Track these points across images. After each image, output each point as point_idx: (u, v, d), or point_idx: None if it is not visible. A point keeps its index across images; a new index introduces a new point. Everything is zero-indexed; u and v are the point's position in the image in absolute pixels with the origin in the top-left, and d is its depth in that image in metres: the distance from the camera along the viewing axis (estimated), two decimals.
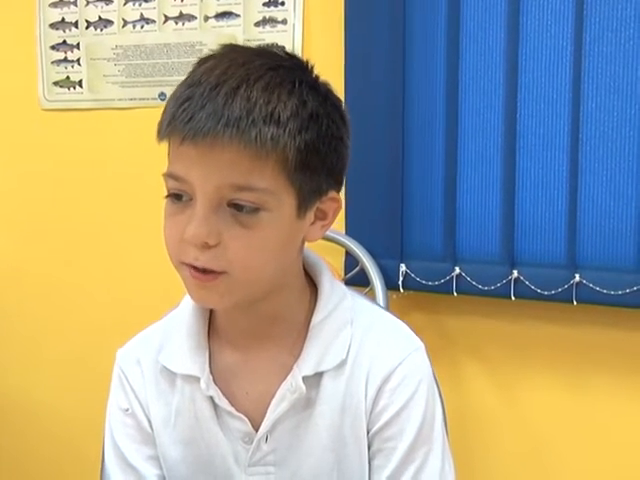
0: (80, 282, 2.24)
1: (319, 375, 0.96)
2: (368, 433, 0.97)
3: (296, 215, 0.91)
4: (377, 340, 0.98)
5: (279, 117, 0.86)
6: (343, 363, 0.97)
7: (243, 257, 0.89)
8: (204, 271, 0.89)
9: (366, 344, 0.98)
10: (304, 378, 0.95)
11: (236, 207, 0.88)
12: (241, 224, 0.88)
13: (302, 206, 0.91)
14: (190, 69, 0.94)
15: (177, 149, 0.88)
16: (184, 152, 0.87)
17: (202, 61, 0.93)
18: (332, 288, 1.00)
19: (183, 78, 0.93)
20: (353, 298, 1.03)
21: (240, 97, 0.86)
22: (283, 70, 0.91)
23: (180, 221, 0.89)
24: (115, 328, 1.94)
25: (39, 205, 2.26)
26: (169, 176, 0.90)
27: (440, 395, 1.31)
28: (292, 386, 0.95)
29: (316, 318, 0.97)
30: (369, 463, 0.98)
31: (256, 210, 0.88)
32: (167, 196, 0.92)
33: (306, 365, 0.96)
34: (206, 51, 2.13)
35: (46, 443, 2.35)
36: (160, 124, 0.90)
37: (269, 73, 0.89)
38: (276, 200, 0.89)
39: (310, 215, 0.94)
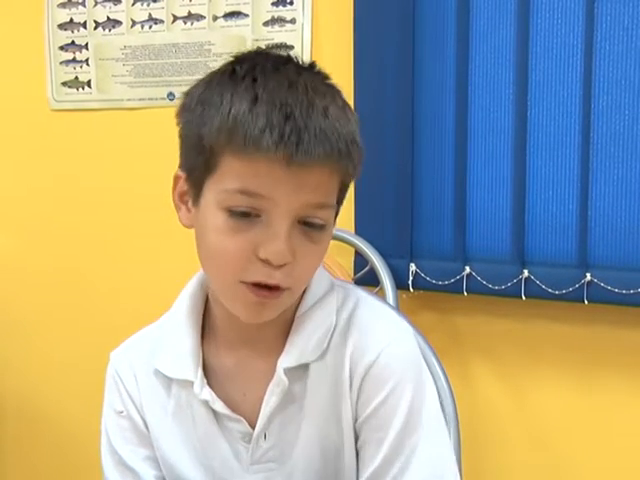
0: (87, 283, 2.24)
1: (304, 367, 0.96)
2: (356, 422, 0.97)
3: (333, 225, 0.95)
4: (359, 327, 0.97)
5: (355, 136, 0.90)
6: (325, 353, 0.96)
7: (309, 272, 0.92)
8: (269, 287, 0.89)
9: (348, 332, 0.97)
10: (289, 371, 0.95)
11: (306, 224, 0.89)
12: (311, 240, 0.89)
13: (335, 217, 0.95)
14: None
15: (263, 166, 0.85)
16: (274, 170, 0.85)
17: (262, 71, 0.89)
18: (320, 281, 1.00)
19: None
20: (339, 290, 1.01)
21: (331, 117, 0.87)
22: (329, 83, 0.93)
23: (247, 238, 0.87)
24: (120, 330, 1.94)
25: (48, 205, 2.27)
26: (241, 192, 0.87)
27: (451, 392, 1.31)
28: (276, 380, 0.95)
29: (299, 311, 0.98)
30: (357, 453, 0.98)
31: (323, 226, 0.90)
32: (226, 210, 0.88)
33: (288, 358, 0.95)
34: (215, 51, 2.14)
35: (51, 446, 2.35)
36: (250, 140, 0.84)
37: (328, 89, 0.92)
38: (333, 214, 0.93)
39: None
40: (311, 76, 0.91)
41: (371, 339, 0.96)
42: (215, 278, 0.93)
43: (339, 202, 0.95)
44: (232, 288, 0.90)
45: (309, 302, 0.98)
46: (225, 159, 0.87)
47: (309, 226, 0.89)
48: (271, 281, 0.88)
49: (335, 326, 0.97)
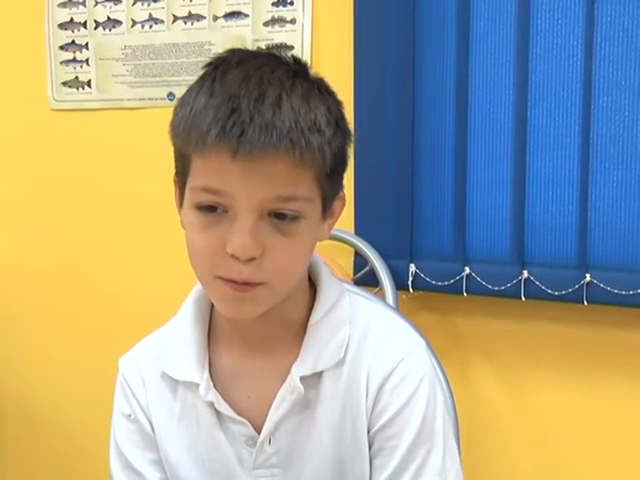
0: (87, 283, 2.24)
1: (318, 375, 0.96)
2: (369, 432, 0.97)
3: (321, 218, 0.93)
4: (376, 338, 0.98)
5: (319, 125, 0.87)
6: (342, 362, 0.96)
7: (284, 266, 0.89)
8: (243, 282, 0.88)
9: (365, 343, 0.97)
10: (303, 378, 0.95)
11: (277, 216, 0.87)
12: (282, 233, 0.88)
13: (325, 209, 0.93)
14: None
15: (215, 162, 0.85)
16: (224, 165, 0.85)
17: (224, 69, 0.89)
18: (330, 287, 1.00)
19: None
20: (352, 296, 1.02)
21: (285, 107, 0.85)
22: (302, 75, 0.91)
23: (216, 234, 0.88)
24: (120, 330, 1.94)
25: (48, 205, 2.26)
26: (204, 190, 0.88)
27: (451, 393, 1.31)
28: (290, 387, 0.95)
29: (314, 318, 0.97)
30: (370, 462, 0.98)
31: (297, 218, 0.88)
32: (196, 208, 0.89)
33: (304, 365, 0.95)
34: (215, 51, 2.13)
35: (51, 446, 2.35)
36: (201, 137, 0.85)
37: (297, 80, 0.89)
38: (312, 207, 0.90)
39: (326, 216, 0.95)
40: (275, 68, 0.89)
41: (388, 351, 0.97)
42: (196, 275, 0.94)
43: (329, 195, 0.93)
44: (211, 283, 0.91)
45: (322, 309, 0.98)
46: (192, 158, 0.89)
47: (280, 218, 0.88)
48: (240, 277, 0.87)
49: (350, 336, 0.97)
